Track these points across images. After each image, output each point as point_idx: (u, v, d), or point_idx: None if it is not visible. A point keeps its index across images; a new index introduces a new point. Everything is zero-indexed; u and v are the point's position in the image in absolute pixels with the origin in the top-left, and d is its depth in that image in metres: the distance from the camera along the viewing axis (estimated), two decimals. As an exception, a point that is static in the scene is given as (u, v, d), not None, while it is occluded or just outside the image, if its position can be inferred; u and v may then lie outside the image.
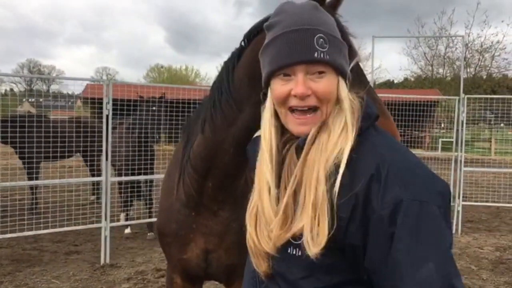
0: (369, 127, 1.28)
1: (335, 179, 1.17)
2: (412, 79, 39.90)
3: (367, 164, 1.18)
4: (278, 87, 1.28)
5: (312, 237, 1.17)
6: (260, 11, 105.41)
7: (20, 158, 7.82)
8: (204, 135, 2.14)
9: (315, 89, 1.23)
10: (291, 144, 1.32)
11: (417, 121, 10.22)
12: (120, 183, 7.76)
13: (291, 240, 1.24)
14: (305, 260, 1.21)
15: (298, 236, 1.22)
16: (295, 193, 1.26)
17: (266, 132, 1.34)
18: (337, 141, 1.21)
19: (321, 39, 1.23)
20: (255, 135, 1.93)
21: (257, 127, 1.92)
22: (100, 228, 6.36)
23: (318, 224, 1.17)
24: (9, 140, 7.72)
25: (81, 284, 5.46)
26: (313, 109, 1.25)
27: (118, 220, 7.61)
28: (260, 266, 1.34)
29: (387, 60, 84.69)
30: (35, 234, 6.55)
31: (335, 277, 1.24)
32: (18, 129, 6.64)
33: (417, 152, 12.20)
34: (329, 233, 1.16)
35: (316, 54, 1.22)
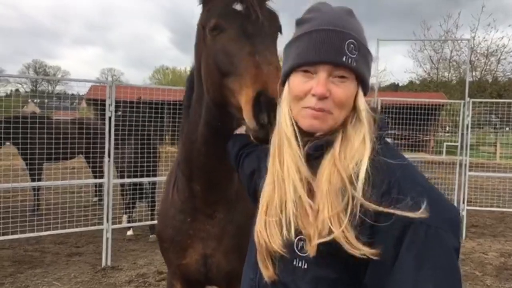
0: (380, 140, 1.25)
1: (353, 191, 1.15)
2: (417, 82, 39.74)
3: (378, 181, 1.15)
4: (297, 83, 1.27)
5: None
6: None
7: (23, 159, 7.82)
8: (183, 136, 2.20)
9: (334, 93, 1.22)
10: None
11: (422, 124, 10.18)
12: (122, 185, 7.74)
13: (297, 252, 1.23)
14: (310, 273, 1.21)
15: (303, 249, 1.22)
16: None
17: (288, 123, 1.30)
18: (355, 153, 1.19)
19: (352, 45, 1.21)
20: (235, 132, 1.96)
21: (215, 122, 1.94)
22: (102, 230, 6.34)
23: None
24: (11, 141, 7.73)
25: (82, 286, 5.44)
26: (328, 112, 1.24)
27: (120, 222, 7.59)
28: (267, 269, 1.30)
29: (392, 62, 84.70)
30: (37, 236, 6.55)
31: None
32: (20, 130, 6.65)
33: (421, 156, 12.16)
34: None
35: (344, 58, 1.21)
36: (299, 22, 1.33)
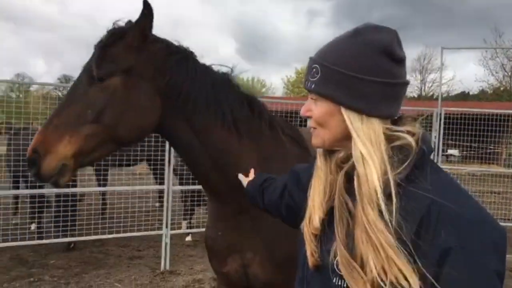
0: (423, 166, 1.21)
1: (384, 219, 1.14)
2: (489, 91, 37.81)
3: (417, 206, 1.13)
4: None
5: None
6: (333, 21, 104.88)
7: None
8: None
9: (312, 113, 1.35)
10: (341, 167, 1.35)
11: (493, 136, 9.65)
12: (183, 191, 7.95)
13: (336, 271, 1.24)
14: None
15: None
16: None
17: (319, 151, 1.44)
18: (366, 175, 1.18)
19: (314, 69, 1.32)
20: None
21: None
22: (162, 235, 6.54)
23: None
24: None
25: (141, 289, 5.63)
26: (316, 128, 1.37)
27: (180, 228, 7.79)
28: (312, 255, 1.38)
29: (464, 70, 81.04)
30: (102, 238, 6.87)
31: None
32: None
33: (491, 168, 11.50)
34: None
35: (306, 83, 1.35)
36: None
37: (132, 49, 2.04)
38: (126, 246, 7.49)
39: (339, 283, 1.25)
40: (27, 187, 6.96)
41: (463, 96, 44.64)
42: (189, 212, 7.95)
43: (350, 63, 1.25)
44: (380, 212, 1.13)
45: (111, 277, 6.01)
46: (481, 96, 38.39)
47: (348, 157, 1.30)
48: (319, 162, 1.41)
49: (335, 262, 1.25)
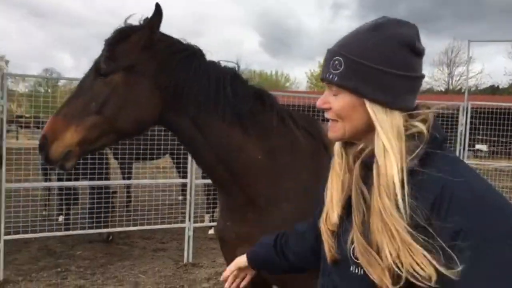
0: (435, 151, 1.23)
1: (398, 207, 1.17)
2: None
3: (428, 192, 1.16)
4: None
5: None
6: (358, 14, 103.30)
7: (115, 158, 8.39)
8: None
9: (331, 105, 1.35)
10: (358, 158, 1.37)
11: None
12: (205, 185, 8.02)
13: (353, 259, 1.28)
14: (367, 280, 1.23)
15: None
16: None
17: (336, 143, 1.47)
18: (386, 166, 1.21)
19: (337, 62, 1.31)
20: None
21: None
22: (185, 227, 6.63)
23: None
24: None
25: (165, 281, 5.73)
26: (336, 120, 1.37)
27: (203, 221, 7.87)
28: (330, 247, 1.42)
29: (492, 64, 79.03)
30: (127, 230, 7.02)
31: None
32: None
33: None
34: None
35: (327, 75, 1.33)
36: None
37: (136, 48, 2.16)
38: (150, 238, 7.62)
39: (356, 271, 1.28)
40: (57, 180, 7.15)
41: (492, 90, 43.64)
42: (211, 205, 8.03)
43: (375, 56, 1.27)
44: (396, 201, 1.16)
45: (135, 268, 6.13)
46: (511, 90, 37.46)
47: (364, 147, 1.34)
48: (336, 157, 1.43)
49: (351, 249, 1.29)
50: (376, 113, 1.27)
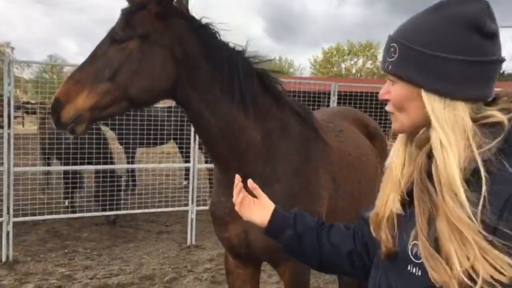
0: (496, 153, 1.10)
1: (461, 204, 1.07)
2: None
3: (504, 188, 1.05)
4: None
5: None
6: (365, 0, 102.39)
7: (120, 143, 8.55)
8: None
9: (390, 96, 1.27)
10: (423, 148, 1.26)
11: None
12: (208, 169, 8.17)
13: (412, 259, 1.19)
14: (425, 281, 1.14)
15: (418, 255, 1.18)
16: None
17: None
18: (445, 164, 1.11)
19: (392, 48, 1.22)
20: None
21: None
22: (188, 211, 6.81)
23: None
24: (109, 126, 8.50)
25: (168, 261, 5.91)
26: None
27: (206, 205, 8.02)
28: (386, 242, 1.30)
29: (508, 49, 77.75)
30: (132, 213, 7.20)
31: None
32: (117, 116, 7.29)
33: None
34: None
35: (385, 64, 1.26)
36: None
37: (153, 17, 2.21)
38: (155, 221, 7.81)
39: (414, 271, 1.19)
40: (61, 164, 7.31)
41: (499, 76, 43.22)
42: (215, 189, 8.15)
43: (432, 41, 1.15)
44: (461, 202, 1.05)
45: (140, 250, 6.32)
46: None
47: (428, 137, 1.21)
48: (400, 145, 1.33)
49: (410, 248, 1.20)
50: (433, 105, 1.15)
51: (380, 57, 36.83)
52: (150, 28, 2.20)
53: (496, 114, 1.12)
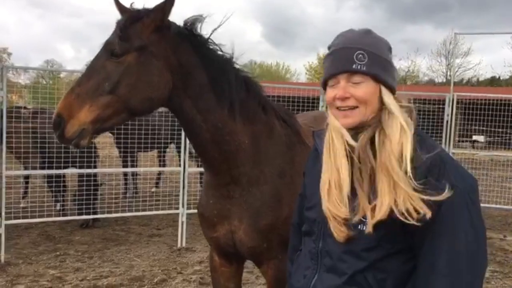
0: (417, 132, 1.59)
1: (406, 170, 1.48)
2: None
3: (425, 159, 1.49)
4: (328, 93, 1.67)
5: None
6: (362, 4, 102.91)
7: (117, 147, 8.63)
8: None
9: (353, 93, 1.59)
10: (362, 134, 1.61)
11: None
12: (200, 173, 8.27)
13: (362, 219, 1.54)
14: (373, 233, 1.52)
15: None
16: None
17: (335, 123, 1.66)
18: (399, 141, 1.51)
19: (360, 55, 1.58)
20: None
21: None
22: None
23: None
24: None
25: (158, 264, 5.99)
26: (353, 108, 1.60)
27: (196, 208, 8.10)
28: (341, 231, 1.59)
29: (497, 55, 78.54)
30: (124, 217, 7.29)
31: (396, 245, 1.56)
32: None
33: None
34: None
35: (354, 66, 1.58)
36: (329, 47, 1.72)
37: (149, 29, 2.28)
38: (147, 225, 7.90)
39: (363, 228, 1.55)
40: (45, 168, 7.34)
41: (491, 81, 43.60)
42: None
43: (383, 52, 1.64)
44: (405, 169, 1.47)
45: (131, 253, 6.41)
46: (510, 81, 37.48)
47: (364, 127, 1.60)
48: (336, 141, 1.65)
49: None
50: (389, 97, 1.60)
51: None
52: (146, 40, 2.26)
53: (409, 105, 1.64)
